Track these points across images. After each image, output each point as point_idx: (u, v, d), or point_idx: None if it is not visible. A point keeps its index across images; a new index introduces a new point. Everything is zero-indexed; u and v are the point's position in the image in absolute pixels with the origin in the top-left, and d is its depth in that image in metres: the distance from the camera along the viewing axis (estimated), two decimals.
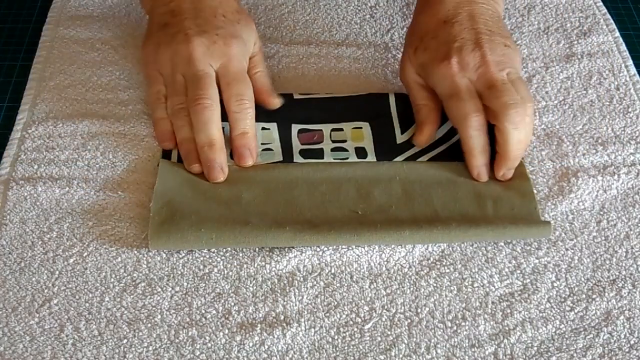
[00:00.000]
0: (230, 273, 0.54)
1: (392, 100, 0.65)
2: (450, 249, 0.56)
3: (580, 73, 0.69)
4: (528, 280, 0.55)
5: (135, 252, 0.55)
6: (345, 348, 0.51)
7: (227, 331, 0.51)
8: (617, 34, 0.72)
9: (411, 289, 0.54)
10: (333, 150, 0.61)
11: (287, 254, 0.55)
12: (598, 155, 0.62)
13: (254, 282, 0.54)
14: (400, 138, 0.62)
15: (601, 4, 0.75)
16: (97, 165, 0.60)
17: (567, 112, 0.65)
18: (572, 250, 0.57)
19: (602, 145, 0.63)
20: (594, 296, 0.54)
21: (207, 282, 0.54)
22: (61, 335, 0.51)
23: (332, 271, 0.55)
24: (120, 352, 0.50)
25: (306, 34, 0.72)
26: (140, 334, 0.51)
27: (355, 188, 0.58)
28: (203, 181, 0.58)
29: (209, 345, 0.51)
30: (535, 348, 0.51)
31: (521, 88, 0.58)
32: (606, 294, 0.54)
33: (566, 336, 0.52)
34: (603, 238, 0.57)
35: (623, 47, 0.71)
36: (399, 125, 0.63)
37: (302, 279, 0.54)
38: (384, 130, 0.63)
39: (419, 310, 0.53)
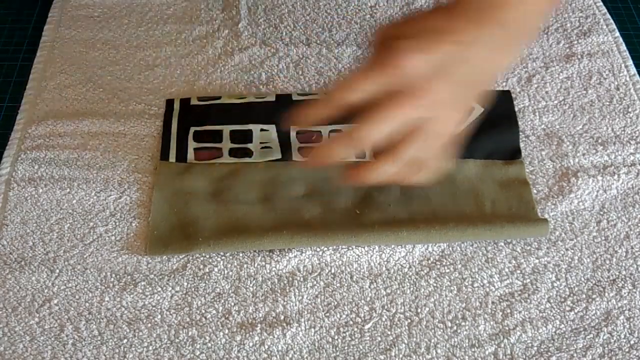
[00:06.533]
0: (230, 273, 0.54)
1: None
2: (450, 249, 0.56)
3: (580, 73, 0.68)
4: (528, 280, 0.55)
5: (136, 252, 0.55)
6: (345, 348, 0.51)
7: (227, 331, 0.51)
8: (617, 34, 0.72)
9: (411, 289, 0.54)
10: None
11: (287, 254, 0.55)
12: (598, 155, 0.62)
13: (254, 282, 0.54)
14: None
15: (601, 4, 0.75)
16: (97, 165, 0.60)
17: (567, 112, 0.65)
18: (572, 250, 0.57)
19: (602, 145, 0.63)
20: (594, 296, 0.54)
21: (207, 282, 0.54)
22: (61, 335, 0.51)
23: (332, 271, 0.55)
24: (120, 352, 0.50)
25: (306, 34, 0.72)
26: (140, 334, 0.51)
27: (353, 188, 0.58)
28: (201, 184, 0.59)
29: (209, 345, 0.51)
30: (535, 348, 0.51)
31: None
32: (606, 294, 0.54)
33: (566, 336, 0.52)
34: (603, 238, 0.57)
35: (623, 47, 0.71)
36: None
37: (302, 279, 0.54)
38: None
39: (419, 310, 0.53)
